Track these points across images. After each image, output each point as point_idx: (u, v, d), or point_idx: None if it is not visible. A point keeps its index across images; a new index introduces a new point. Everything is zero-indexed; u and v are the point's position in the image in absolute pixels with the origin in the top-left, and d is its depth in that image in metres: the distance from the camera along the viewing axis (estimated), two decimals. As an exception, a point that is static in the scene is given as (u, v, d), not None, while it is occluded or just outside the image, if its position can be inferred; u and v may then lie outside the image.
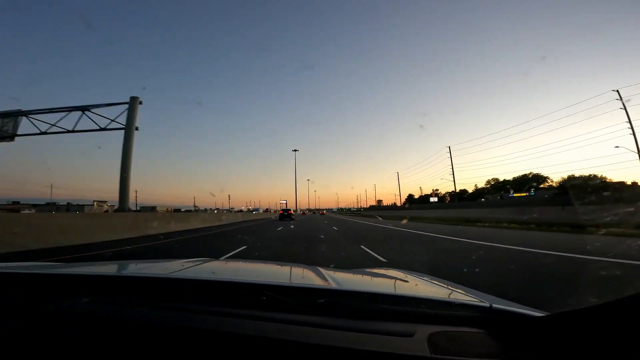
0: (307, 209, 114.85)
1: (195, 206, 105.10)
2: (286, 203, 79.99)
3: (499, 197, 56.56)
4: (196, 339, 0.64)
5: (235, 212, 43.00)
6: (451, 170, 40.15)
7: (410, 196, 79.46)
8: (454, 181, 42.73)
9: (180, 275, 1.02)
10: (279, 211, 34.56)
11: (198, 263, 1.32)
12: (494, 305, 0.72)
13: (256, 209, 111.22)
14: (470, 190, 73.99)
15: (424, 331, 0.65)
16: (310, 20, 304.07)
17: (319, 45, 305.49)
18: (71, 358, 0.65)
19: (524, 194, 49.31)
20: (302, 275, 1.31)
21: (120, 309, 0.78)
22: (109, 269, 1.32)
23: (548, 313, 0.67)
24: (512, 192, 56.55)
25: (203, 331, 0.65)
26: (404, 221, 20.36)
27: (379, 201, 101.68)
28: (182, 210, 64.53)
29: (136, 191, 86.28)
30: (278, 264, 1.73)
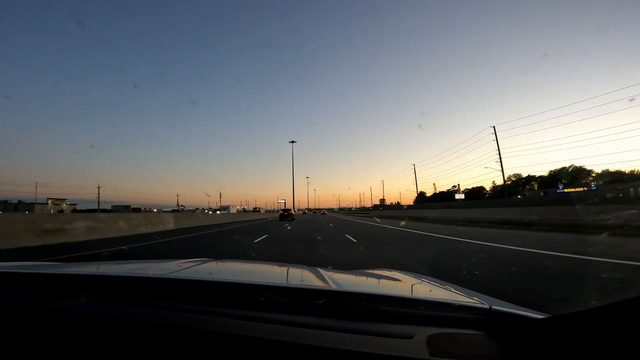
0: (306, 209, 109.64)
1: (179, 205, 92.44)
2: (285, 202, 75.21)
3: (541, 193, 44.79)
4: (194, 339, 0.64)
5: (166, 212, 30.50)
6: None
7: (422, 194, 67.34)
8: (502, 169, 30.43)
9: (178, 275, 1.02)
10: (279, 211, 31.12)
11: (197, 263, 1.33)
12: (493, 307, 0.71)
13: (224, 207, 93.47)
14: (487, 188, 62.99)
15: (423, 333, 0.64)
16: (310, 18, 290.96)
17: (318, 43, 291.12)
18: (70, 358, 0.65)
19: (581, 189, 37.44)
20: (301, 276, 1.28)
21: (119, 309, 0.77)
22: (107, 269, 1.31)
23: (549, 315, 0.65)
24: (561, 186, 44.63)
25: (201, 331, 0.65)
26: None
27: (382, 200, 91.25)
28: (163, 210, 50.97)
29: (99, 187, 69.74)
30: (277, 265, 1.70)
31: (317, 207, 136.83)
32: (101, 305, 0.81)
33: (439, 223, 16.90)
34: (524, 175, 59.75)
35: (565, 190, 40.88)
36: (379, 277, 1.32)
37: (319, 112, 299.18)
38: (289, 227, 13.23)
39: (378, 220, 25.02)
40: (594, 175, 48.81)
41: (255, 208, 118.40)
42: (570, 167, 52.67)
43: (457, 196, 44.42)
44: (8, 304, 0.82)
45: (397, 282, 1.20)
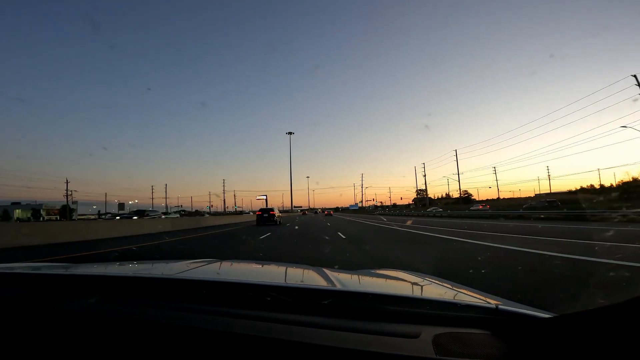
0: (296, 207, 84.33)
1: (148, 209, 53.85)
2: (266, 199, 59.75)
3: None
4: (202, 339, 0.64)
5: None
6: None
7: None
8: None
9: (186, 275, 1.03)
10: (257, 212, 21.27)
11: (204, 264, 1.33)
12: (500, 306, 0.71)
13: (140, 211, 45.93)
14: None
15: (429, 332, 0.64)
16: (314, 19, 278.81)
17: (321, 43, 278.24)
18: (79, 357, 0.65)
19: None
20: (306, 276, 1.29)
21: (127, 309, 0.78)
22: (115, 269, 1.33)
23: (556, 314, 0.65)
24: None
25: (209, 331, 0.66)
26: None
27: (421, 191, 63.51)
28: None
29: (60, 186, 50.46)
30: (283, 265, 1.70)
31: (313, 206, 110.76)
32: (109, 305, 0.81)
33: None
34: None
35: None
36: (384, 277, 1.33)
37: (327, 113, 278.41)
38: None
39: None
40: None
41: (184, 210, 74.00)
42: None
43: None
44: (16, 304, 0.83)
45: (402, 282, 1.20)
